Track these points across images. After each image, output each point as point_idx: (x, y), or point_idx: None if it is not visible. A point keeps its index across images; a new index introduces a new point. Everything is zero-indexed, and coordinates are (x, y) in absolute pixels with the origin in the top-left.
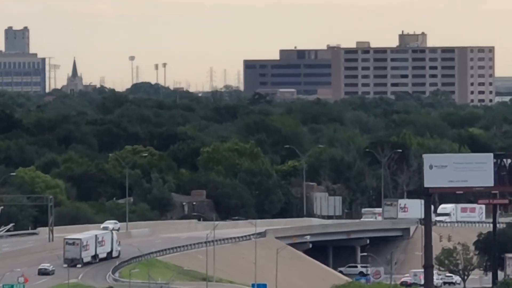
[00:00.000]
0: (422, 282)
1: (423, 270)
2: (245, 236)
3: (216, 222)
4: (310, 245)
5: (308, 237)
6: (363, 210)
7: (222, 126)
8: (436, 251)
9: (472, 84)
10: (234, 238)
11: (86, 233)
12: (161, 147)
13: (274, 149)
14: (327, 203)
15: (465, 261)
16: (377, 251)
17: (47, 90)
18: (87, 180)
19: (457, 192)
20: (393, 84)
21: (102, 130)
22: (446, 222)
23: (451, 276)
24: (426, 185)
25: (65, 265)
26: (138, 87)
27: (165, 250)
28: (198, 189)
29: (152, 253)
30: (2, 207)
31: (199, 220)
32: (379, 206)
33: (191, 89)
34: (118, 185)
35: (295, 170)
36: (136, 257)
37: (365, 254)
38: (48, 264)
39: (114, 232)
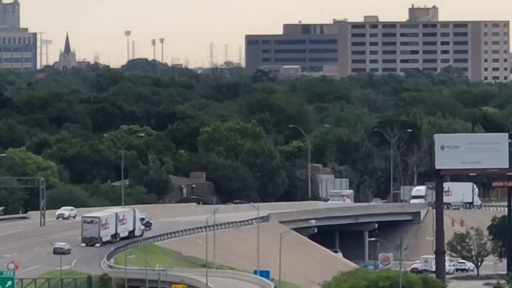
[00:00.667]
0: (433, 268)
1: (434, 256)
2: (247, 220)
3: (217, 206)
4: (316, 230)
5: (313, 221)
6: (330, 192)
7: (223, 105)
8: (448, 236)
9: (486, 60)
10: (236, 222)
11: (105, 211)
12: (158, 127)
13: (278, 128)
14: (333, 186)
15: (478, 246)
16: (386, 236)
17: (38, 67)
18: (80, 162)
19: (470, 174)
20: (403, 61)
21: (96, 109)
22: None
23: (464, 263)
24: (437, 166)
25: (83, 244)
26: (134, 64)
27: (163, 235)
28: (198, 171)
29: (149, 238)
30: None
31: (198, 203)
32: (388, 189)
33: (190, 66)
34: (113, 167)
35: (300, 151)
36: (132, 242)
37: (373, 239)
38: (64, 243)
39: (136, 210)
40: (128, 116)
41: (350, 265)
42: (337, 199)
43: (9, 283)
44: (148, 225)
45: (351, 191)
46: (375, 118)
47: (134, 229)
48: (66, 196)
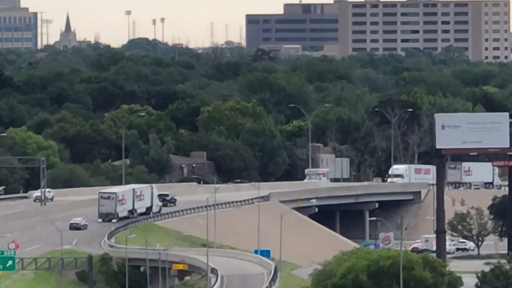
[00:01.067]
0: (434, 248)
1: (435, 235)
2: (248, 200)
3: (217, 185)
4: (316, 209)
5: (314, 201)
6: (307, 170)
7: (223, 84)
8: (448, 215)
9: (486, 40)
10: (236, 202)
11: (123, 187)
12: (159, 107)
13: (278, 108)
14: (334, 165)
15: (479, 226)
16: (386, 216)
17: (39, 47)
18: (81, 141)
19: (471, 153)
20: (404, 40)
21: (97, 88)
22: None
23: (465, 242)
24: (438, 146)
25: (100, 220)
26: (135, 43)
27: (164, 214)
28: (198, 150)
29: (149, 217)
30: None
31: (199, 183)
32: (389, 169)
33: (191, 46)
34: (114, 147)
35: (300, 131)
36: (133, 222)
37: (374, 218)
38: (80, 219)
39: (155, 186)
40: (129, 96)
41: (351, 244)
42: (313, 177)
43: (10, 262)
44: (172, 201)
45: (328, 169)
46: (375, 98)
47: (151, 205)
48: (67, 175)
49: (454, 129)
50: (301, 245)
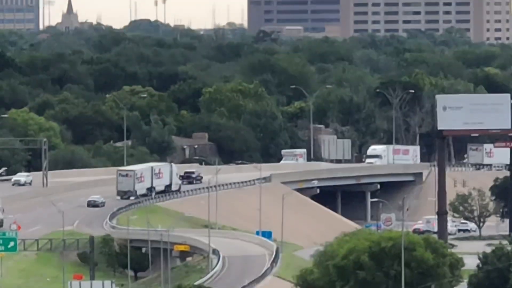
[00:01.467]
0: (436, 229)
1: (436, 216)
2: (249, 181)
3: (219, 167)
4: (318, 191)
5: (315, 182)
6: (283, 151)
7: (225, 66)
8: (450, 196)
9: (488, 21)
10: (238, 183)
11: (141, 165)
12: (160, 88)
13: (280, 89)
14: (336, 146)
15: (480, 207)
16: (388, 197)
17: (41, 28)
18: (83, 123)
19: (472, 134)
20: (405, 21)
21: (99, 69)
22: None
23: (466, 223)
24: (439, 127)
25: (118, 198)
26: (137, 25)
27: (165, 195)
28: (200, 131)
29: (151, 199)
30: None
31: (200, 164)
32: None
33: (193, 27)
34: (116, 128)
35: (302, 112)
36: (134, 203)
37: (375, 199)
38: (98, 196)
39: (174, 164)
40: (131, 77)
41: (352, 225)
42: (289, 158)
43: (12, 243)
44: (198, 178)
45: (304, 150)
46: (377, 79)
47: (171, 184)
48: (69, 157)
49: (455, 110)
50: (303, 226)
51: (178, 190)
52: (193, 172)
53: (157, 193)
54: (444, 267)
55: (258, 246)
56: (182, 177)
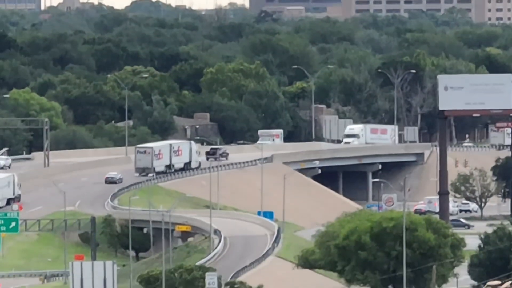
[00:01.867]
0: (437, 209)
1: (438, 197)
2: (251, 161)
3: (221, 147)
4: (319, 171)
5: (317, 162)
6: (260, 132)
7: (227, 46)
8: (451, 177)
9: (489, 1)
10: (239, 163)
11: (159, 142)
12: (162, 68)
13: (281, 69)
14: (337, 127)
15: (482, 187)
16: (389, 177)
17: (42, 8)
18: (84, 103)
19: (474, 115)
20: (407, 1)
21: (100, 50)
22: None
23: (468, 203)
24: (441, 107)
25: (137, 174)
26: (138, 5)
27: (167, 176)
28: (201, 111)
29: (153, 179)
30: None
31: (202, 144)
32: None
33: (194, 7)
34: (117, 108)
35: (303, 92)
36: (136, 183)
37: (377, 180)
38: (115, 173)
39: (193, 142)
40: (132, 57)
41: (354, 206)
42: (266, 139)
43: (13, 224)
44: (224, 155)
45: (281, 130)
46: (378, 59)
47: (190, 161)
48: (70, 137)
49: (457, 90)
50: (304, 207)
51: (198, 167)
52: (219, 149)
53: (176, 170)
54: (446, 247)
55: (260, 227)
56: (208, 154)
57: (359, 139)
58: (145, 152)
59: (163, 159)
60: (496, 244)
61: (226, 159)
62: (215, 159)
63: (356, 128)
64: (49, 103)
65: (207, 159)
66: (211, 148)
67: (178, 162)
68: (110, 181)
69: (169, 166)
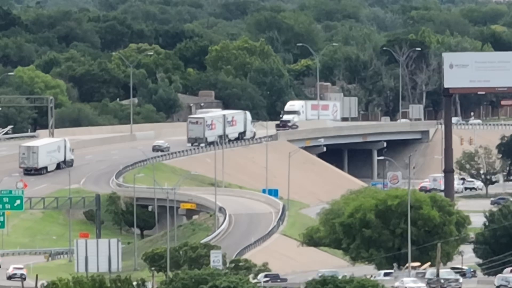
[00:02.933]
0: (442, 187)
1: (443, 174)
2: (256, 139)
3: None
4: (324, 149)
5: (322, 140)
6: (195, 112)
7: (232, 23)
8: (456, 154)
9: None
10: (244, 140)
11: (213, 112)
12: (167, 45)
13: (286, 47)
14: (342, 104)
15: (487, 165)
16: (394, 155)
17: None
18: (89, 80)
19: (479, 92)
20: None
21: (105, 27)
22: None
23: (473, 181)
24: (446, 85)
25: (189, 144)
26: None
27: (172, 153)
28: (206, 89)
29: (157, 156)
30: (0, 108)
31: None
32: (397, 108)
33: None
34: (122, 86)
35: (308, 70)
36: (140, 161)
37: (382, 158)
38: (162, 141)
39: (248, 113)
40: (137, 35)
41: (359, 183)
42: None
43: (18, 202)
44: (294, 127)
45: (219, 110)
46: (383, 37)
47: (245, 131)
48: (75, 114)
49: (462, 68)
50: (309, 184)
51: (253, 138)
52: (289, 121)
53: (231, 140)
54: (451, 225)
55: (265, 204)
56: (277, 126)
57: (299, 115)
58: (197, 122)
59: (216, 129)
60: (501, 221)
61: (297, 126)
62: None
63: (297, 104)
64: (54, 81)
65: (277, 131)
66: (281, 120)
67: (232, 132)
68: (157, 149)
69: (222, 136)
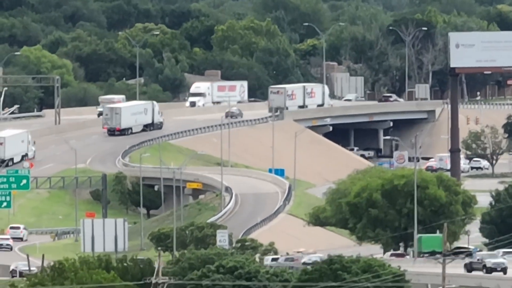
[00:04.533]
0: (448, 167)
1: (449, 154)
2: (262, 118)
3: (232, 104)
4: (331, 128)
5: (328, 119)
6: (100, 98)
7: (238, 3)
8: (462, 134)
9: None
10: (251, 120)
11: (293, 84)
12: (173, 25)
13: (292, 27)
14: (348, 84)
15: (493, 144)
16: (400, 134)
17: None
18: (95, 60)
19: (485, 72)
20: None
21: (112, 7)
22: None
23: (479, 161)
24: (452, 65)
25: (270, 114)
26: None
27: (178, 133)
28: (212, 69)
29: (164, 136)
30: (6, 88)
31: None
32: (403, 88)
33: None
34: (128, 65)
35: (315, 49)
36: (146, 140)
37: (388, 137)
38: (235, 108)
39: (326, 86)
40: (143, 14)
41: (365, 163)
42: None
43: (24, 181)
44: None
45: (121, 96)
46: (390, 17)
47: (323, 103)
48: (81, 94)
49: (468, 47)
50: (315, 164)
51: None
52: (391, 96)
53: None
54: (457, 205)
55: (271, 184)
56: (380, 100)
57: (205, 97)
58: (278, 92)
59: (296, 99)
60: (507, 201)
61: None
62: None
63: (203, 86)
64: (60, 61)
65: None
66: (383, 96)
67: (311, 104)
68: (230, 115)
69: (302, 107)
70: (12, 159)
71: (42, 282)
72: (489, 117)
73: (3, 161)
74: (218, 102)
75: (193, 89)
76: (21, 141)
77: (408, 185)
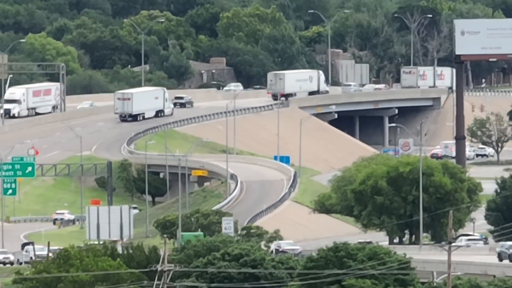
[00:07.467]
0: (453, 154)
1: (454, 141)
2: (267, 105)
3: (237, 91)
4: (336, 115)
5: (333, 107)
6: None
7: None
8: (468, 121)
9: None
10: (256, 108)
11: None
12: (178, 12)
13: (298, 14)
14: (354, 71)
15: (498, 132)
16: (406, 122)
17: None
18: (100, 47)
19: (490, 59)
20: None
21: None
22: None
23: (484, 148)
24: (457, 52)
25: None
26: None
27: (183, 120)
28: (218, 56)
29: (169, 123)
30: (11, 75)
31: (218, 89)
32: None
33: None
34: (133, 53)
35: (320, 36)
36: (152, 128)
37: (393, 124)
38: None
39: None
40: (148, 1)
41: (370, 150)
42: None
43: (29, 168)
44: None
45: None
46: (395, 4)
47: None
48: (86, 81)
49: (473, 35)
50: (321, 151)
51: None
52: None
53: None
54: (462, 192)
55: (276, 171)
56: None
57: (20, 104)
58: (410, 72)
59: (427, 79)
60: None
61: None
62: None
63: (17, 92)
64: (65, 48)
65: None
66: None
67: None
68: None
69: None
70: (143, 115)
71: (47, 269)
72: (494, 104)
73: (130, 115)
74: (33, 108)
75: (7, 96)
76: (154, 97)
77: (413, 172)
